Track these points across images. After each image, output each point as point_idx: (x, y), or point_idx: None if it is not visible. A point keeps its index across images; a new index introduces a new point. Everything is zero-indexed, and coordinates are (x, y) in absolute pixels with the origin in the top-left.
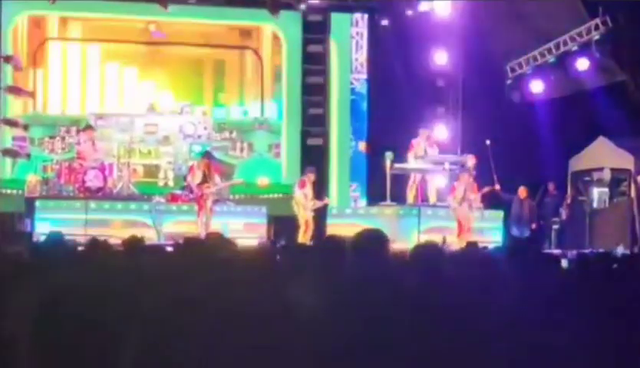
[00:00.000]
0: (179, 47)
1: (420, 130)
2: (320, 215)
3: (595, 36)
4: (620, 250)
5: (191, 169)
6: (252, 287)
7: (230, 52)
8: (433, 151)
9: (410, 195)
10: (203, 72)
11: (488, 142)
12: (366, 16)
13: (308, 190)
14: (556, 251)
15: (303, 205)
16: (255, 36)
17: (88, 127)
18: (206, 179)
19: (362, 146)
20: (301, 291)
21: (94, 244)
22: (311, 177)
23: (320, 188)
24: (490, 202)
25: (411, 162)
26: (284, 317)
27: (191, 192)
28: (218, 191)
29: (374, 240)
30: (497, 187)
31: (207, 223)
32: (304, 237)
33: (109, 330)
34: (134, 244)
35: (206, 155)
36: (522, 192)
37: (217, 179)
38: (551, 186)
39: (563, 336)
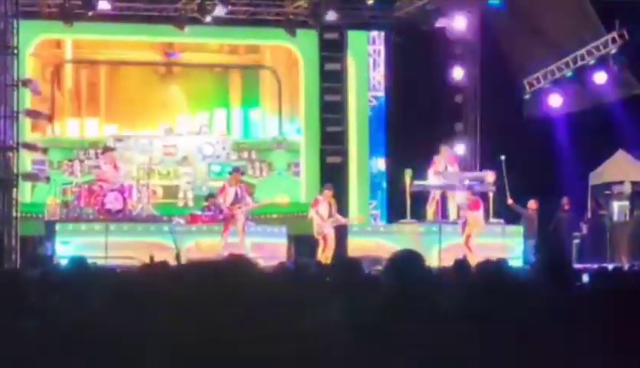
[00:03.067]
0: (202, 57)
1: (441, 147)
2: (341, 233)
3: (613, 50)
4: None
5: (222, 188)
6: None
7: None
8: (454, 168)
9: (430, 212)
10: (228, 84)
11: (503, 157)
12: (383, 33)
13: (323, 209)
14: (577, 266)
15: (317, 224)
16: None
17: (108, 149)
18: (237, 198)
19: (381, 163)
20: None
21: None
22: (327, 194)
23: (340, 206)
24: (507, 216)
25: (431, 179)
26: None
27: (220, 212)
28: (248, 211)
29: (410, 258)
30: (510, 201)
31: (241, 243)
32: (322, 255)
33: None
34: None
35: (236, 171)
36: (531, 204)
37: (248, 199)
38: (564, 201)
39: (584, 352)
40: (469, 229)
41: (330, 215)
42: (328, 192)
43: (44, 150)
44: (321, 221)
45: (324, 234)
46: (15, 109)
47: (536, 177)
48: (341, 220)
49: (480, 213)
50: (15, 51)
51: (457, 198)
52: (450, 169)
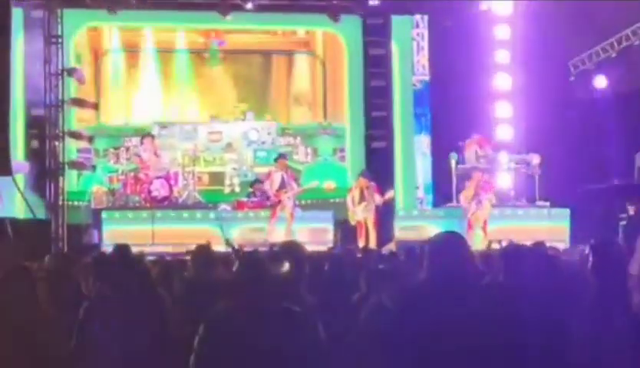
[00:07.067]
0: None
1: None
2: (387, 217)
3: None
4: None
5: (268, 175)
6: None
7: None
8: (484, 151)
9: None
10: (274, 69)
11: None
12: (426, 17)
13: (355, 193)
14: None
15: (350, 210)
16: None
17: (147, 136)
18: (283, 183)
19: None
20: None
21: None
22: (360, 182)
23: (384, 189)
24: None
25: (474, 162)
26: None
27: (267, 198)
28: (294, 196)
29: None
30: None
31: (288, 228)
32: (359, 239)
33: None
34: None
35: (282, 157)
36: None
37: (294, 184)
38: None
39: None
40: (483, 213)
41: (360, 201)
42: (362, 179)
43: (90, 139)
44: (352, 206)
45: (357, 220)
46: (61, 98)
47: (581, 159)
48: (379, 199)
49: (492, 195)
50: (60, 40)
51: (501, 182)
52: (479, 152)
